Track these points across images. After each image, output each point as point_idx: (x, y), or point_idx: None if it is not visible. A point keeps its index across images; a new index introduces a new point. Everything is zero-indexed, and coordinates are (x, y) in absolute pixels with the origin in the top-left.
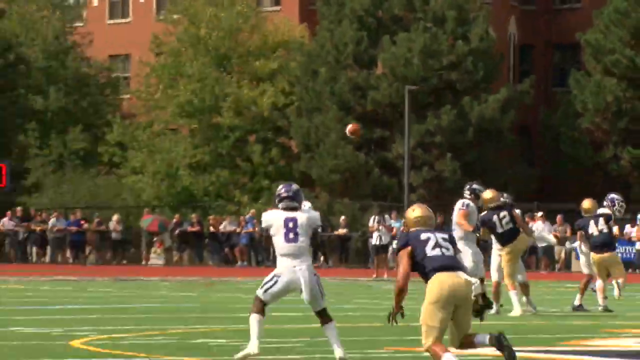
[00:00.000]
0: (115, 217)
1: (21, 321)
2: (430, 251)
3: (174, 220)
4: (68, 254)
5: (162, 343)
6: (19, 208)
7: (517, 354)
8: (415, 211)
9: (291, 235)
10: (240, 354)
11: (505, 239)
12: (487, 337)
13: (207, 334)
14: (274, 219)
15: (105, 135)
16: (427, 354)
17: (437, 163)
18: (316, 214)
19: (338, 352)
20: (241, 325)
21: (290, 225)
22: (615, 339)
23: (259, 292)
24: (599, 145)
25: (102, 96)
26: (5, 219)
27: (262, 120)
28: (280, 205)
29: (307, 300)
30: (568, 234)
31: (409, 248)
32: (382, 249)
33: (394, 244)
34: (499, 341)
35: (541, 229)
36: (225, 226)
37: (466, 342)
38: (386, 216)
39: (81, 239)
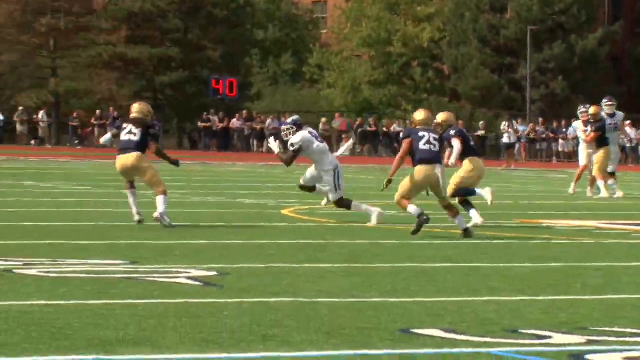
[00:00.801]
0: (323, 120)
1: (245, 195)
2: (422, 145)
3: (357, 122)
4: None
5: (345, 212)
6: (244, 111)
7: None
8: (420, 114)
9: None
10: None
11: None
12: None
13: (384, 206)
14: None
15: (308, 59)
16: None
17: (551, 83)
18: None
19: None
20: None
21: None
22: None
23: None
24: None
25: (306, 31)
26: (234, 120)
27: (422, 50)
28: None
29: None
30: None
31: (410, 139)
32: (511, 146)
33: (517, 143)
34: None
35: (629, 132)
36: (395, 127)
37: (445, 206)
38: (513, 121)
39: None
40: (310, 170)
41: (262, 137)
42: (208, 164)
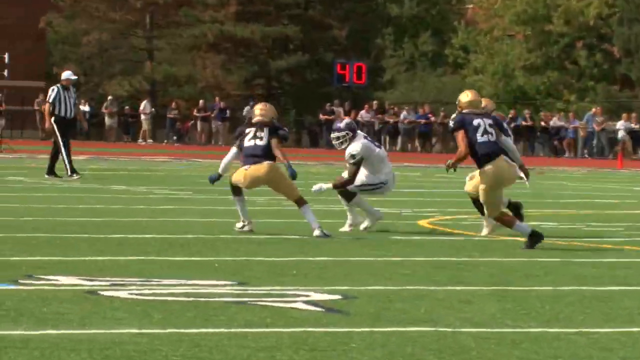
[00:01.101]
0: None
1: (376, 202)
2: (479, 137)
3: (510, 115)
4: (416, 143)
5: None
6: (374, 102)
7: None
8: (468, 95)
9: None
10: None
11: None
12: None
13: (539, 217)
14: None
15: (451, 40)
16: None
17: None
18: None
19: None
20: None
21: None
22: None
23: None
24: None
25: (449, 5)
26: (362, 112)
27: (588, 28)
28: None
29: None
30: None
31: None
32: None
33: None
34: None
35: None
36: (555, 121)
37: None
38: None
39: (428, 130)
40: (360, 177)
41: (395, 132)
42: (330, 165)
